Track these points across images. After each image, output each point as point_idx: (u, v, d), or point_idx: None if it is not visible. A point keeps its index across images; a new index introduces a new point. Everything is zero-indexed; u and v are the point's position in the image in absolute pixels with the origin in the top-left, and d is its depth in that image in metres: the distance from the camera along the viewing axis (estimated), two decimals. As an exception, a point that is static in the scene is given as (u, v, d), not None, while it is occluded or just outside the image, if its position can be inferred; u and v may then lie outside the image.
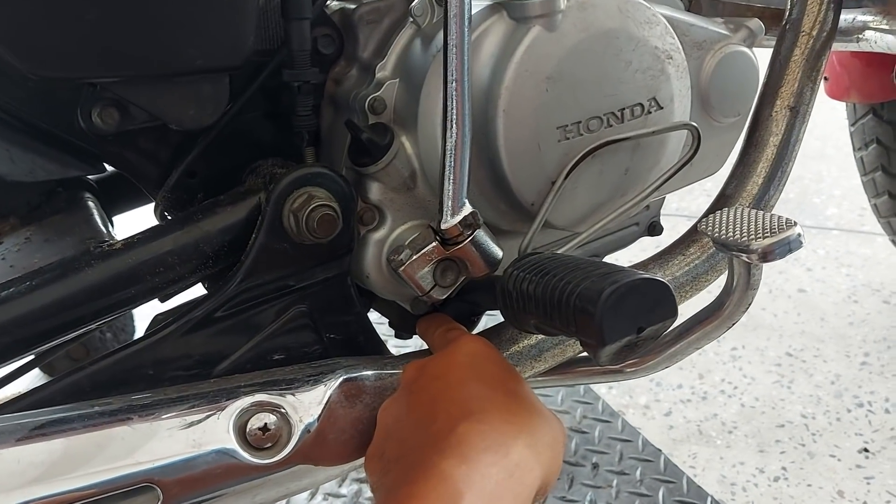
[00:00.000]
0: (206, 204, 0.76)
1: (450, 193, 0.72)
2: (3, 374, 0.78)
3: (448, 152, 0.70)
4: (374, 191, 0.79)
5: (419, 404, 0.66)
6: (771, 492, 1.30)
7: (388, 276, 0.81)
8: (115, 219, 0.96)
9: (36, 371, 1.33)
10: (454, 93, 0.69)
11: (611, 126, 0.80)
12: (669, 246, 0.90)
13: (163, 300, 0.83)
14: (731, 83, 0.93)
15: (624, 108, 0.81)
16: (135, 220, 0.91)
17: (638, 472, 1.33)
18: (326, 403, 0.71)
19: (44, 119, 0.77)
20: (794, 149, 0.90)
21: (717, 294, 0.74)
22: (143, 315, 0.82)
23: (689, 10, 0.97)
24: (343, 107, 0.81)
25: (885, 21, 1.06)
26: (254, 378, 0.72)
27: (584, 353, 0.83)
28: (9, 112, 0.76)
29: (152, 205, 0.84)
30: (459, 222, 0.73)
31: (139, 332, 1.45)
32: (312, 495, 1.29)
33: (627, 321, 0.61)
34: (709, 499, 1.27)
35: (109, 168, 0.90)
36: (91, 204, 0.87)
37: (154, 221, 0.82)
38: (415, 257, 0.75)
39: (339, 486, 1.31)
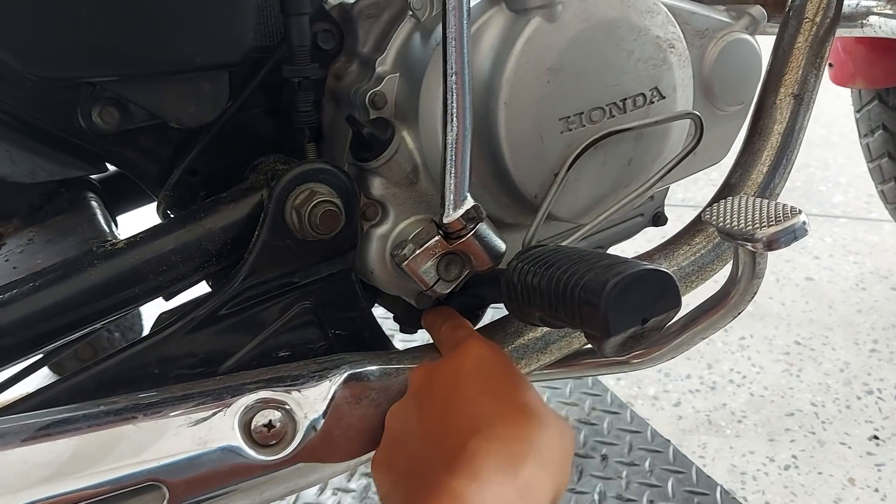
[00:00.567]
0: (208, 202, 0.75)
1: (451, 187, 0.71)
2: (9, 375, 0.78)
3: (449, 146, 0.70)
4: (377, 186, 0.78)
5: (428, 416, 0.66)
6: (781, 480, 1.30)
7: (391, 271, 0.80)
8: (120, 218, 0.96)
9: (45, 370, 1.34)
10: (454, 86, 0.68)
11: (613, 116, 0.80)
12: (674, 236, 0.90)
13: (167, 298, 0.83)
14: (734, 71, 0.92)
15: (626, 99, 0.80)
16: (142, 219, 0.91)
17: (647, 463, 1.33)
18: (331, 399, 0.71)
19: (44, 119, 0.77)
20: (799, 136, 0.90)
21: (723, 283, 0.74)
22: (151, 314, 0.82)
23: (690, -3, 0.96)
24: (344, 102, 0.81)
25: (889, 5, 1.06)
26: (258, 375, 0.72)
27: (590, 345, 0.83)
28: (8, 113, 0.75)
29: (155, 203, 0.84)
30: (462, 216, 0.73)
31: (146, 330, 1.45)
32: (322, 490, 1.30)
33: (632, 312, 0.61)
34: (719, 488, 1.27)
35: (112, 168, 0.90)
36: (94, 204, 0.86)
37: (158, 220, 0.82)
38: (418, 252, 0.75)
39: (349, 480, 1.31)
